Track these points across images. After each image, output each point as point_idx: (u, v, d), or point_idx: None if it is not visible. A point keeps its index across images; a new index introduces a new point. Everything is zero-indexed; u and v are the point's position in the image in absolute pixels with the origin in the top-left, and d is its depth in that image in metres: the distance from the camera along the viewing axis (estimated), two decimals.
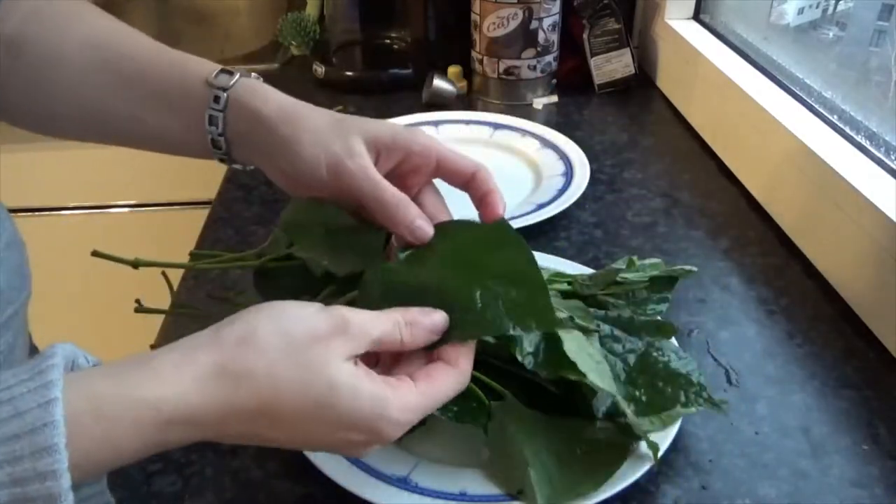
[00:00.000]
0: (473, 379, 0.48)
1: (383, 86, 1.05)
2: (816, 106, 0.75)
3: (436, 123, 0.91)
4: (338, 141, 0.44)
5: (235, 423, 0.34)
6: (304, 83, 1.05)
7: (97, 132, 0.50)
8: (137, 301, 0.57)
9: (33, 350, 0.53)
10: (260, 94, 0.45)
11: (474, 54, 1.03)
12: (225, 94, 0.45)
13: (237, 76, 0.46)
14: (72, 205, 1.16)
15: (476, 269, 0.42)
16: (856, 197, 0.61)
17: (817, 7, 0.86)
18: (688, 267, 0.58)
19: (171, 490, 0.48)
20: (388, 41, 1.14)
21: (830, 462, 0.50)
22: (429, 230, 0.44)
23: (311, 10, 1.16)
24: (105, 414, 0.31)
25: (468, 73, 1.06)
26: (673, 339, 0.54)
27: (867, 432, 0.52)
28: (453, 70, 1.05)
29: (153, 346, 0.60)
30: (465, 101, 1.03)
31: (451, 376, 0.39)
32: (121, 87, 0.47)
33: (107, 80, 0.47)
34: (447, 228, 0.46)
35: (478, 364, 0.51)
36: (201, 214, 0.77)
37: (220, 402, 0.33)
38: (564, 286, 0.57)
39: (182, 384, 0.32)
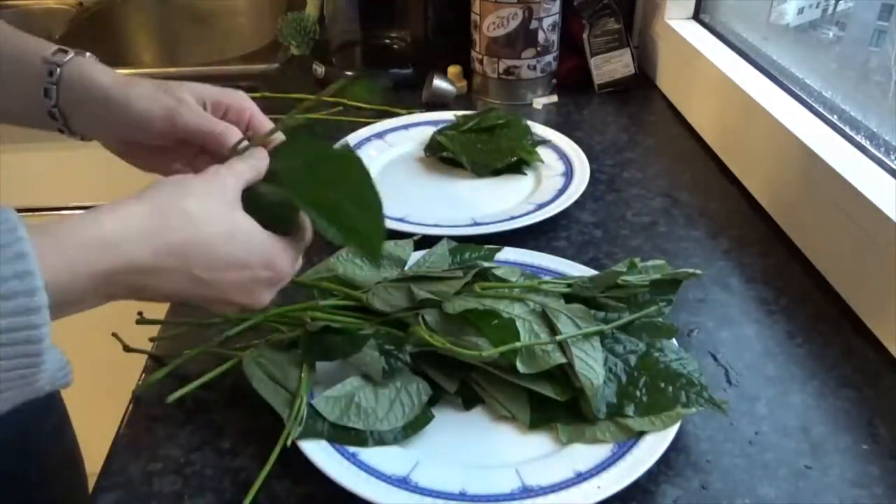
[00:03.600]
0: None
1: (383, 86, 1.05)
2: (816, 106, 0.75)
3: (436, 123, 0.91)
4: (167, 96, 0.50)
5: (159, 245, 0.39)
6: (304, 83, 1.05)
7: None
8: (140, 314, 0.58)
9: None
10: (91, 68, 0.50)
11: (474, 54, 1.03)
12: (59, 69, 0.49)
13: (72, 54, 0.50)
14: (73, 204, 1.16)
15: (323, 186, 0.44)
16: (856, 196, 0.61)
17: (817, 7, 0.86)
18: (692, 270, 0.57)
19: (171, 490, 0.48)
20: (387, 41, 1.14)
21: (830, 462, 0.50)
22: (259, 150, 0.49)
23: (311, 9, 1.16)
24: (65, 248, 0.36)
25: (468, 73, 1.05)
26: (673, 339, 0.54)
27: (867, 432, 0.52)
28: (453, 70, 1.05)
29: (152, 340, 0.60)
30: (464, 100, 1.03)
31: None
32: None
33: None
34: (297, 146, 0.48)
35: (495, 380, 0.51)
36: None
37: (148, 215, 0.39)
38: (564, 288, 0.57)
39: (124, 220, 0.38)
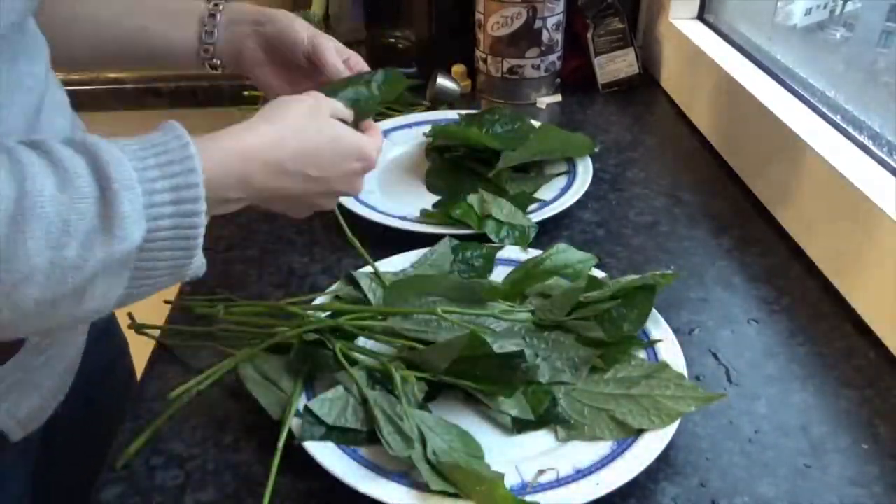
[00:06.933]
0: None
1: None
2: (820, 106, 0.75)
3: (439, 122, 0.91)
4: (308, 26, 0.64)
5: (284, 153, 0.48)
6: None
7: (112, 52, 0.63)
8: (129, 314, 0.59)
9: None
10: (241, 7, 0.63)
11: (478, 53, 1.03)
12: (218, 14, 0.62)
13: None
14: None
15: None
16: (858, 197, 0.61)
17: (825, 8, 0.85)
18: (661, 272, 0.57)
19: (174, 484, 0.49)
20: (392, 40, 1.14)
21: (830, 461, 0.50)
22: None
23: (317, 9, 1.16)
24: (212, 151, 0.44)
25: (472, 73, 1.06)
26: (678, 352, 0.54)
27: (867, 431, 0.52)
28: (457, 69, 1.05)
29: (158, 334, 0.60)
30: (468, 100, 1.04)
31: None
32: (132, 7, 0.62)
33: (120, 4, 0.62)
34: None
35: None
36: None
37: (273, 130, 0.48)
38: (527, 315, 0.56)
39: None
